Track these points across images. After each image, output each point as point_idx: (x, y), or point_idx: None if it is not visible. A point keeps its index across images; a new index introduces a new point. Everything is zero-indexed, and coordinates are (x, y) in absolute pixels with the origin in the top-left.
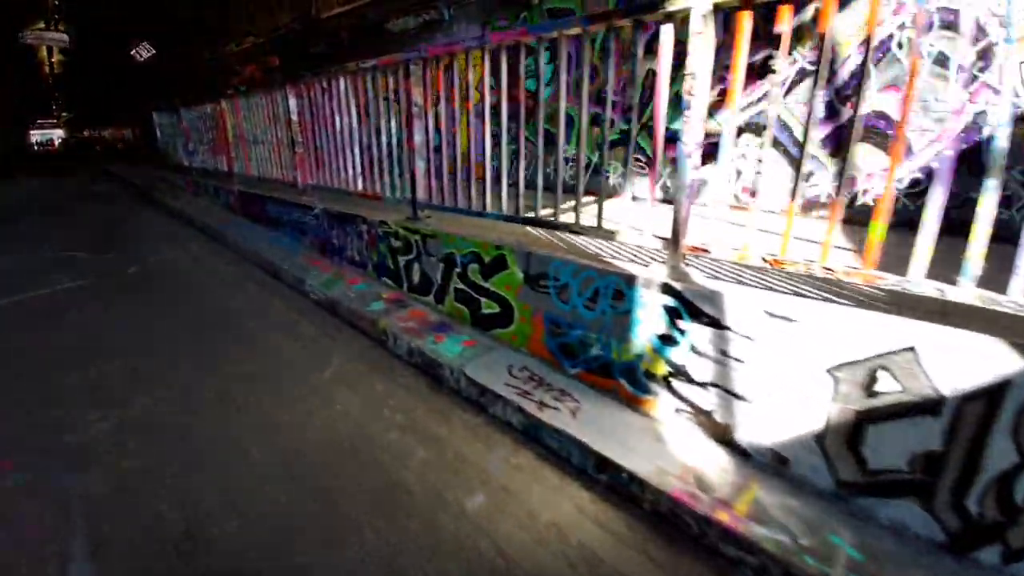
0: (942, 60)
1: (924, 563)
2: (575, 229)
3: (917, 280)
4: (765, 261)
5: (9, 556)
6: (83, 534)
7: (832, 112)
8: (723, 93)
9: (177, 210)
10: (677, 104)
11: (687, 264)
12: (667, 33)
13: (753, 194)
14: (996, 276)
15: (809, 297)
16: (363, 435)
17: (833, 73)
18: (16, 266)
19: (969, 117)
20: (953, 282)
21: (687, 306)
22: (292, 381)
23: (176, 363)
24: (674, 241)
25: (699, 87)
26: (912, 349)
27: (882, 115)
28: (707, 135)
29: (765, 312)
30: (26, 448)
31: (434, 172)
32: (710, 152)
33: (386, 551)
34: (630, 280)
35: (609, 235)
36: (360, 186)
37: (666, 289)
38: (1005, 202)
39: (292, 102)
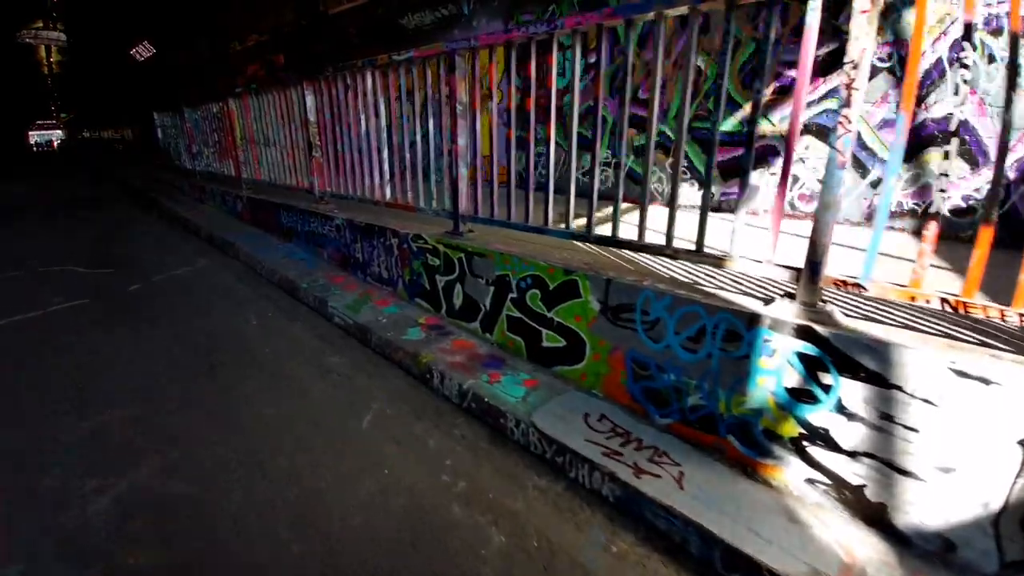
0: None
1: None
2: (668, 253)
3: None
4: (947, 303)
5: None
6: None
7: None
8: (780, 91)
9: (181, 217)
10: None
11: (824, 301)
12: (815, 13)
13: (810, 201)
14: None
15: (1003, 351)
16: (421, 512)
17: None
18: (6, 282)
19: None
20: None
21: (835, 356)
22: (326, 433)
23: (187, 409)
24: (811, 272)
25: (861, 78)
26: None
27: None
28: (759, 137)
29: (952, 370)
30: (16, 529)
31: (480, 180)
32: (760, 156)
33: None
34: (751, 320)
35: (716, 262)
36: (388, 195)
37: (804, 333)
38: None
39: (309, 101)
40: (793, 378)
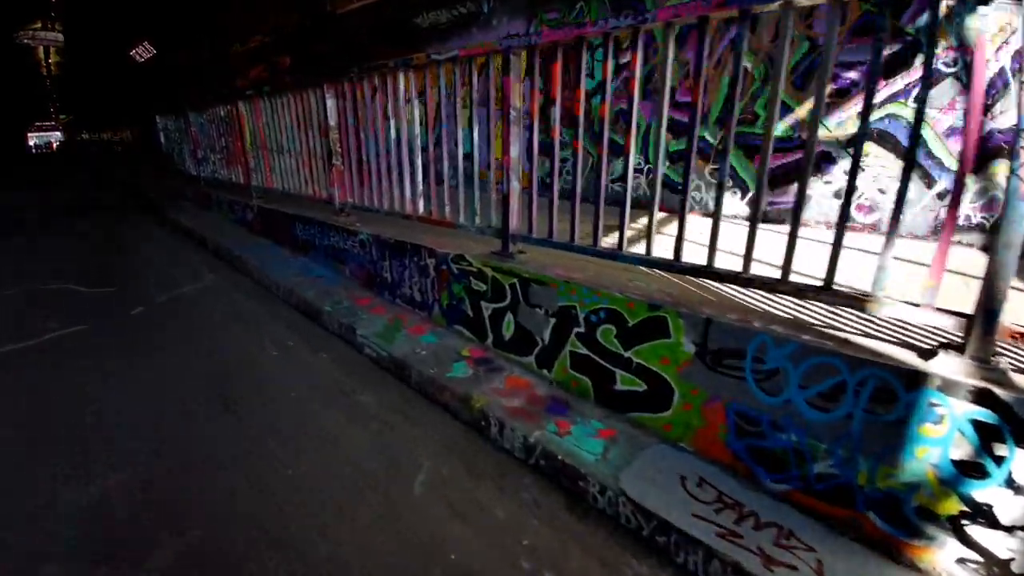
0: None
1: None
2: (785, 290)
3: None
4: None
5: None
6: None
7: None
8: (837, 94)
9: (186, 227)
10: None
11: (998, 355)
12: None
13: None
14: None
15: None
16: None
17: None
18: None
19: None
20: None
21: (1014, 425)
22: (371, 501)
23: (204, 468)
24: (986, 321)
25: None
26: None
27: None
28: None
29: None
30: None
31: (536, 195)
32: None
33: None
34: (913, 379)
35: (855, 303)
36: (421, 208)
37: (983, 397)
38: None
39: (330, 104)
40: (963, 449)
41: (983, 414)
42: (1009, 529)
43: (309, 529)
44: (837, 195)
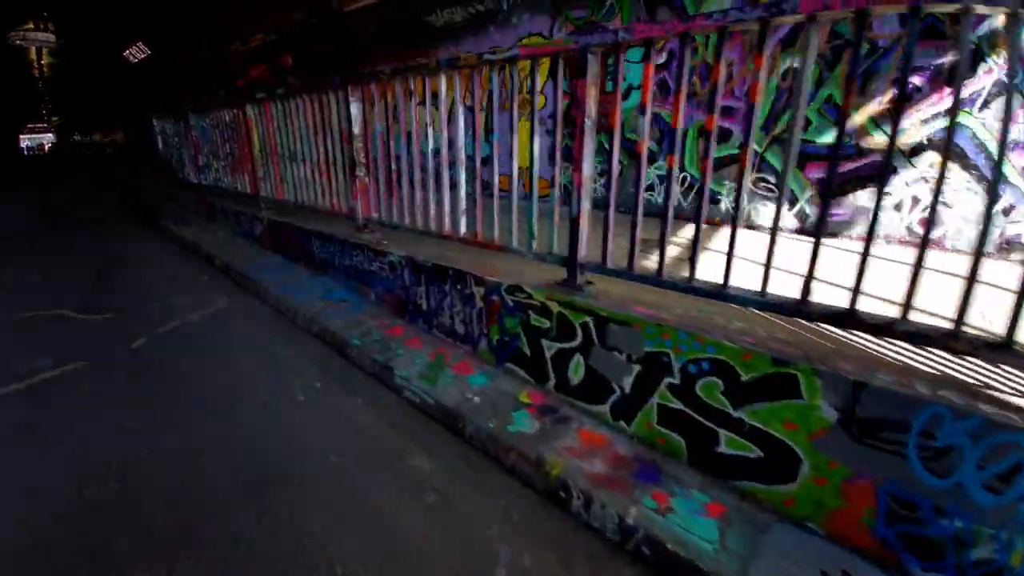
0: None
1: None
2: (958, 348)
3: None
4: None
5: None
6: None
7: None
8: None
9: (189, 242)
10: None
11: None
12: None
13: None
14: None
15: None
16: None
17: None
18: None
19: None
20: None
21: None
22: None
23: None
24: None
25: None
26: None
27: None
28: (870, 151)
29: None
30: None
31: (613, 218)
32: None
33: None
34: None
35: None
36: (464, 228)
37: None
38: None
39: (354, 109)
40: None
41: None
42: None
43: None
44: (897, 208)
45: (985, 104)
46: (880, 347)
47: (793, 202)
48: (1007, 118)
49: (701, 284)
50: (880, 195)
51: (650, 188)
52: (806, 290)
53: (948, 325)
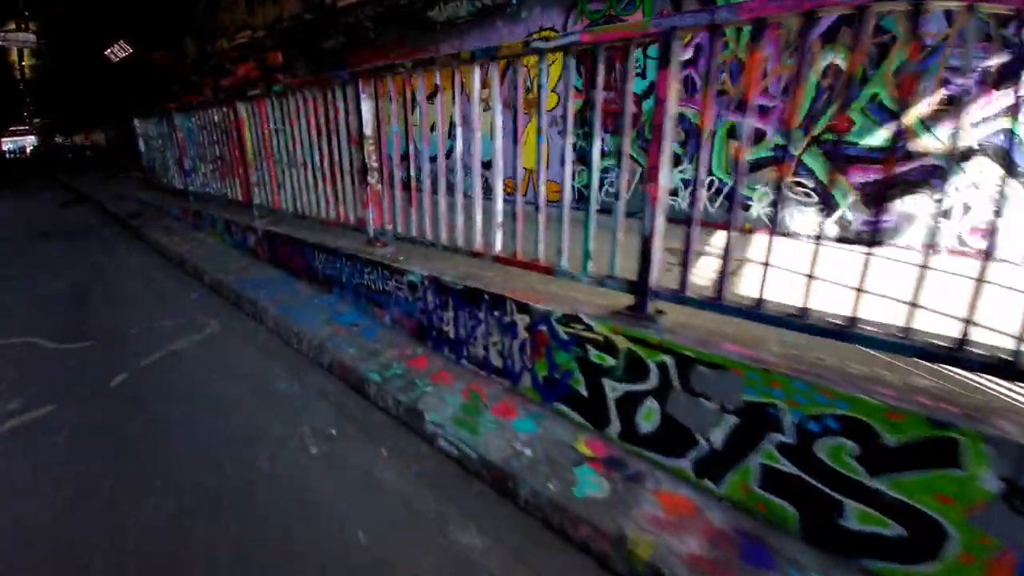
0: None
1: None
2: None
3: None
4: None
5: None
6: None
7: None
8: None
9: (175, 254)
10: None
11: None
12: None
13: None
14: None
15: None
16: None
17: None
18: None
19: None
20: None
21: None
22: None
23: None
24: None
25: None
26: None
27: None
28: (919, 155)
29: None
30: None
31: (696, 234)
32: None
33: None
34: None
35: None
36: (499, 244)
37: None
38: None
39: (366, 107)
40: None
41: None
42: None
43: None
44: (946, 215)
45: None
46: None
47: (833, 207)
48: None
49: (821, 322)
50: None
51: (673, 193)
52: (963, 334)
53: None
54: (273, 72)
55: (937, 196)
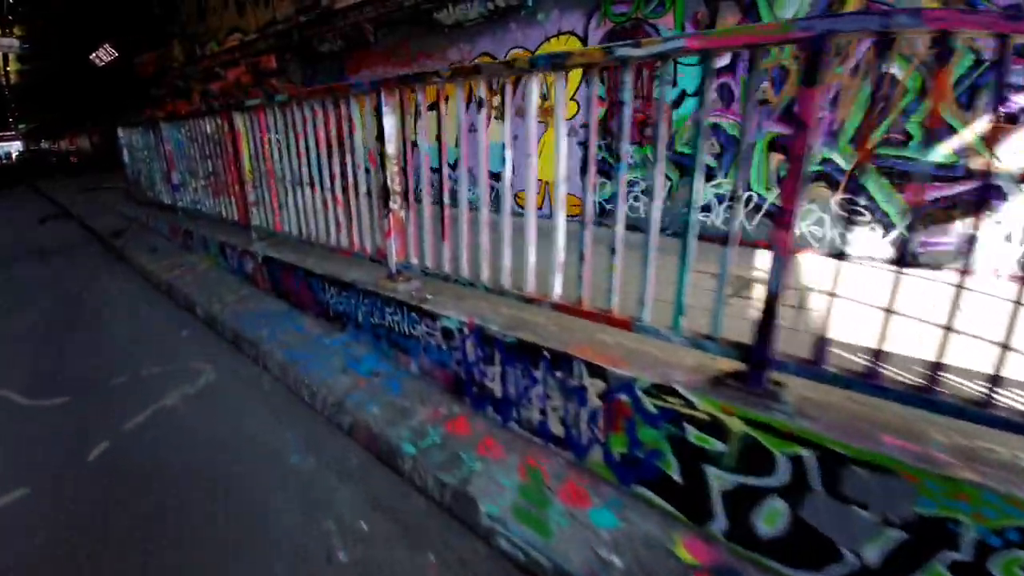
0: None
1: None
2: None
3: None
4: None
5: None
6: None
7: None
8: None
9: (162, 281)
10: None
11: None
12: None
13: None
14: None
15: None
16: None
17: None
18: None
19: None
20: None
21: None
22: None
23: None
24: None
25: None
26: None
27: None
28: (980, 174)
29: None
30: None
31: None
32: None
33: None
34: None
35: None
36: (558, 289)
37: None
38: None
39: (389, 123)
40: None
41: None
42: None
43: None
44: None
45: None
46: None
47: (888, 227)
48: None
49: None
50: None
51: (705, 209)
52: None
53: None
54: (266, 77)
55: (997, 218)
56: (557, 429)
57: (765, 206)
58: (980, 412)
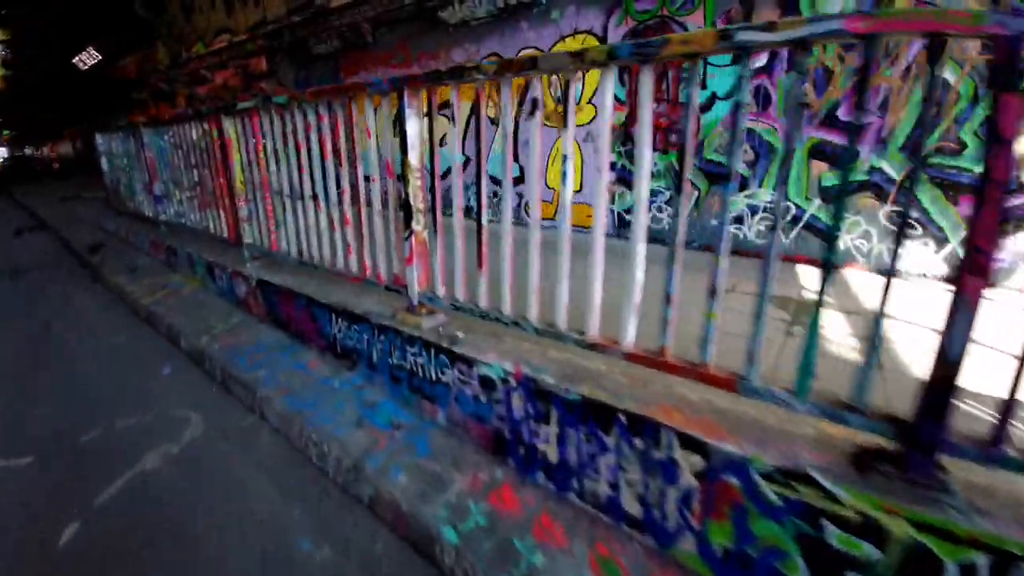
0: None
1: None
2: None
3: None
4: None
5: None
6: None
7: None
8: None
9: (143, 309)
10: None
11: None
12: None
13: None
14: None
15: None
16: None
17: None
18: None
19: None
20: None
21: None
22: None
23: None
24: None
25: None
26: None
27: None
28: None
29: None
30: None
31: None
32: None
33: None
34: None
35: None
36: (632, 335)
37: None
38: None
39: (412, 129)
40: None
41: None
42: None
43: None
44: None
45: None
46: None
47: (941, 241)
48: None
49: None
50: None
51: (737, 220)
52: None
53: None
54: (256, 79)
55: None
56: (632, 508)
57: (805, 217)
58: None
